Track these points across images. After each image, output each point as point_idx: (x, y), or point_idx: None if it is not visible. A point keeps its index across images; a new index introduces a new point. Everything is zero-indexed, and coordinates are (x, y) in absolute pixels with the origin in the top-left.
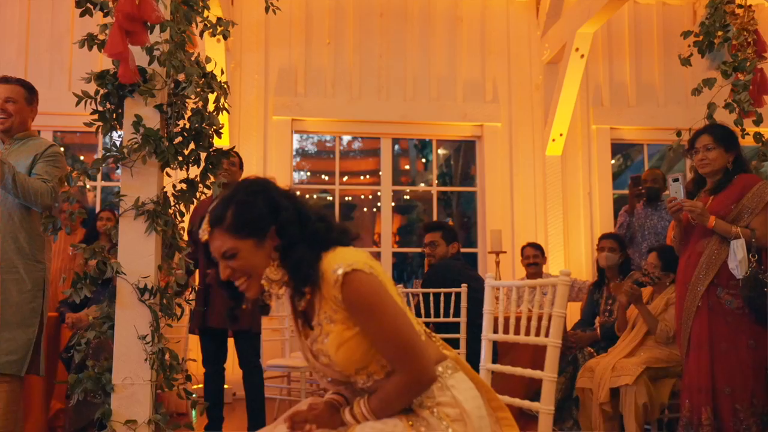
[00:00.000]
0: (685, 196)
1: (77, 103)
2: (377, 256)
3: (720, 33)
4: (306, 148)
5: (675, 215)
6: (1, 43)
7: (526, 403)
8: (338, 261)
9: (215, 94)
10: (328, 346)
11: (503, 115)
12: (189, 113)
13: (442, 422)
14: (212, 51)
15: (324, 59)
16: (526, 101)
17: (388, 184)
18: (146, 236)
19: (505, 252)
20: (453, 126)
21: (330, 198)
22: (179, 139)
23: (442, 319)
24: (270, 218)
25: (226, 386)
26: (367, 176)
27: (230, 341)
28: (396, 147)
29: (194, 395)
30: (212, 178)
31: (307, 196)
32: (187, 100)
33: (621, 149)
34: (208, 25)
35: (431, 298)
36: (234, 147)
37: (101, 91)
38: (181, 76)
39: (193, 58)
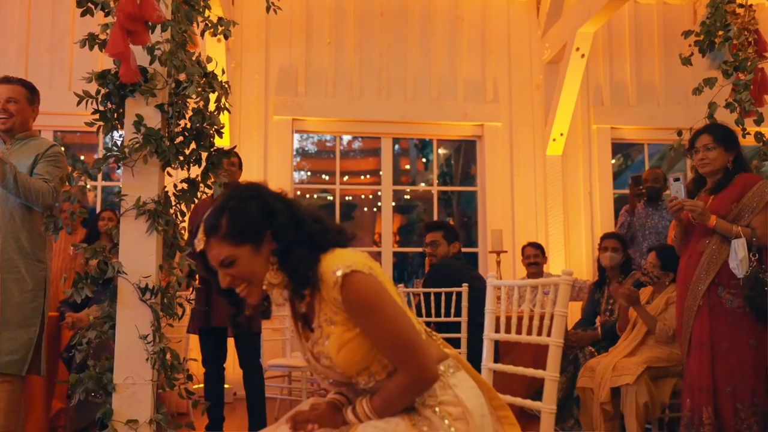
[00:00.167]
0: (685, 196)
1: (78, 103)
2: (377, 256)
3: (721, 32)
4: (306, 148)
5: (676, 215)
6: (2, 42)
7: (527, 403)
8: (337, 262)
9: (216, 93)
10: (328, 348)
11: (504, 115)
12: (190, 113)
13: (444, 421)
14: (213, 51)
15: (324, 59)
16: (527, 101)
17: (388, 183)
18: (147, 236)
19: (505, 252)
20: (453, 126)
21: (330, 198)
22: (180, 138)
23: (443, 319)
24: (265, 223)
25: (226, 386)
26: (368, 176)
27: (230, 341)
28: (396, 147)
29: (195, 395)
30: (213, 178)
31: (308, 196)
32: (188, 100)
33: (621, 149)
34: (209, 25)
35: (432, 297)
36: (235, 147)
37: (102, 91)
38: (182, 76)
39: (194, 58)
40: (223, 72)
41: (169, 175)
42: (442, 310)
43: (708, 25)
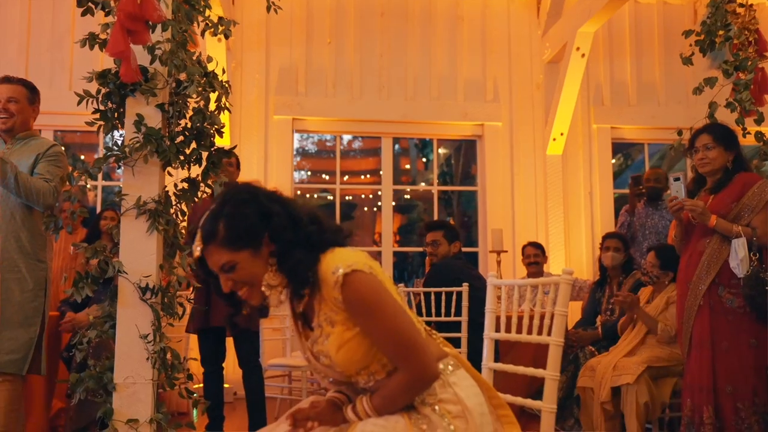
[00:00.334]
0: (686, 196)
1: (79, 103)
2: (378, 255)
3: (721, 32)
4: (306, 148)
5: (676, 214)
6: (2, 42)
7: (528, 402)
8: (337, 262)
9: (216, 93)
10: (328, 347)
11: (504, 115)
12: (190, 112)
13: (443, 419)
14: (213, 50)
15: (325, 58)
16: (527, 100)
17: (388, 183)
18: (148, 235)
19: (506, 251)
20: (453, 125)
21: (330, 197)
22: (181, 138)
23: (443, 318)
24: (262, 226)
25: (226, 385)
26: (368, 176)
27: (229, 341)
28: (396, 146)
29: (195, 394)
30: (213, 177)
31: (308, 195)
32: (189, 100)
33: (622, 148)
34: (210, 25)
35: (432, 297)
36: (235, 146)
37: (103, 91)
38: (183, 76)
39: (194, 58)
40: (224, 71)
41: (170, 174)
42: (443, 310)
43: (708, 24)
